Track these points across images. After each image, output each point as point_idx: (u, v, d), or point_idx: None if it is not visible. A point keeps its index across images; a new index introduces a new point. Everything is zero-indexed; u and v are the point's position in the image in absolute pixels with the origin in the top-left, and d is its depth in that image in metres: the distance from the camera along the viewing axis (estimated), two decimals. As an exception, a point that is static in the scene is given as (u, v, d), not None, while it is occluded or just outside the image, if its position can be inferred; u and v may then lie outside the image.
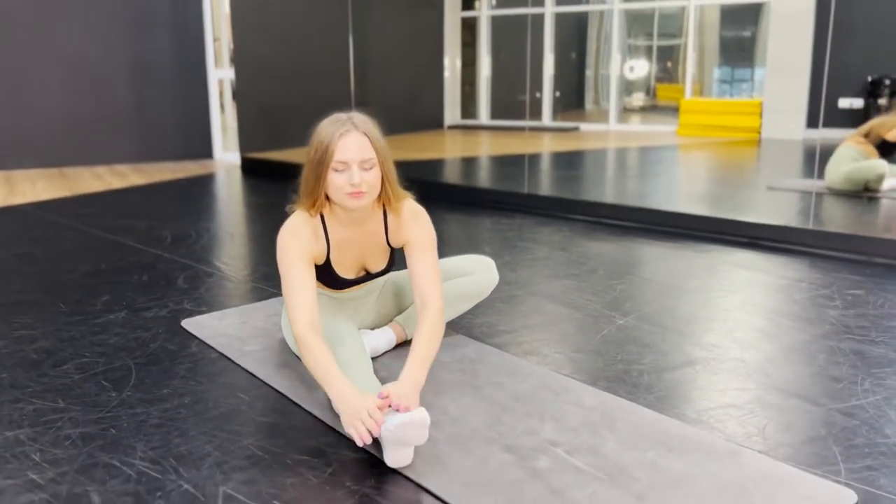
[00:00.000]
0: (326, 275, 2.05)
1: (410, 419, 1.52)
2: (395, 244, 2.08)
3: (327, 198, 1.93)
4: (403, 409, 1.57)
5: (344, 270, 2.07)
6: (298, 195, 1.96)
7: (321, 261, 2.01)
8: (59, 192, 5.48)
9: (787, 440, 1.73)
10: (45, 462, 1.65)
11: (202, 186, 5.82)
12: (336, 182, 1.85)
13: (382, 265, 2.14)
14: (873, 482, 1.55)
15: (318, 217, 1.97)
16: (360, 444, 1.55)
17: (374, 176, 1.87)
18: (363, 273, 2.12)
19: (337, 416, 1.83)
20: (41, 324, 2.57)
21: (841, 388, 2.00)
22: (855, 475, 1.57)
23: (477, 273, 2.35)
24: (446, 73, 10.47)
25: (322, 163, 1.85)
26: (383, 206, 2.02)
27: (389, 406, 1.60)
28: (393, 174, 1.95)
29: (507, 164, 6.59)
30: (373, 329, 2.31)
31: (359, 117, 1.89)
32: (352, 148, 1.83)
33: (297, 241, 1.90)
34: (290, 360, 2.20)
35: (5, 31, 6.47)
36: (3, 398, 1.97)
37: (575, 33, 10.68)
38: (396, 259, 2.21)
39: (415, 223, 2.01)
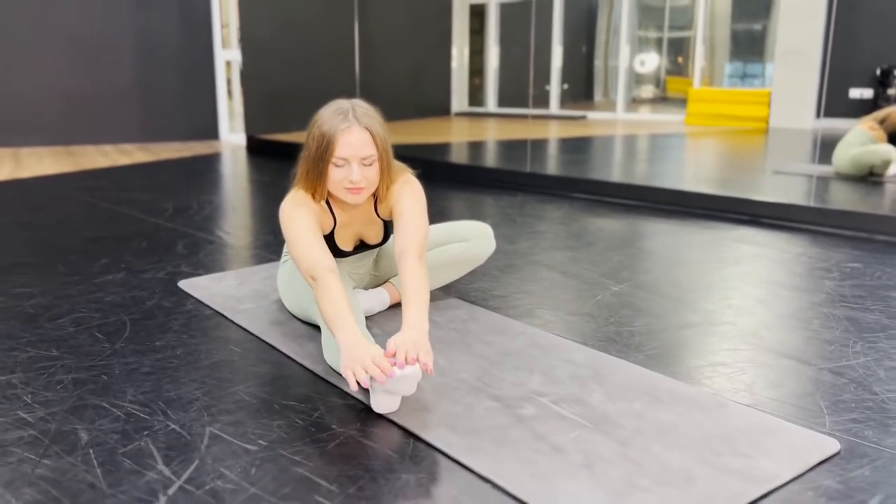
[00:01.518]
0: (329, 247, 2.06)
1: (413, 372, 1.52)
2: (383, 215, 2.07)
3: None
4: (411, 361, 1.54)
5: (343, 244, 2.08)
6: (297, 178, 1.93)
7: (325, 233, 2.01)
8: (65, 168, 5.51)
9: (774, 395, 1.73)
10: (35, 403, 1.66)
11: (207, 164, 5.84)
12: (335, 176, 1.83)
13: (378, 238, 2.14)
14: (857, 433, 1.54)
15: (325, 203, 1.97)
16: (353, 389, 1.52)
17: (373, 172, 1.85)
18: (359, 243, 2.13)
19: (327, 368, 1.84)
20: (39, 283, 2.59)
21: (832, 350, 2.00)
22: (840, 427, 1.57)
23: (473, 240, 2.35)
24: (454, 61, 10.45)
25: (322, 157, 1.82)
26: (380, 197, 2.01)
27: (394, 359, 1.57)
28: (391, 165, 1.92)
29: (512, 148, 6.58)
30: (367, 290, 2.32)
31: (361, 108, 1.85)
32: (353, 144, 1.80)
33: (304, 208, 1.87)
34: (284, 317, 2.21)
35: (14, 10, 6.50)
36: (-3, 347, 1.99)
37: (585, 24, 10.64)
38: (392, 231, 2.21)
39: (401, 189, 1.95)
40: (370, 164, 1.84)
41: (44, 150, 6.65)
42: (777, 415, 1.63)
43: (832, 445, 1.47)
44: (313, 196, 1.92)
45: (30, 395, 1.70)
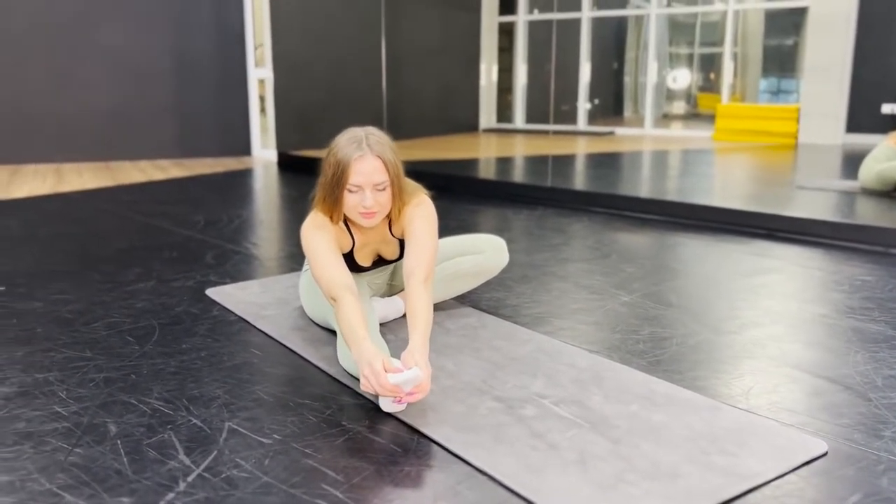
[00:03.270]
0: (346, 263, 2.18)
1: (415, 375, 1.61)
2: (397, 235, 2.18)
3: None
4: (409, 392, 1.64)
5: (363, 261, 2.21)
6: (316, 202, 2.04)
7: (345, 251, 2.14)
8: (103, 183, 5.74)
9: (769, 400, 1.78)
10: (70, 398, 1.79)
11: (239, 179, 6.02)
12: (350, 202, 1.95)
13: (395, 255, 2.25)
14: (847, 436, 1.60)
15: (343, 225, 2.10)
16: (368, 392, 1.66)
17: (385, 197, 1.96)
18: (377, 259, 2.25)
19: (341, 370, 1.94)
20: (75, 290, 2.74)
21: (832, 359, 2.05)
22: (829, 430, 1.63)
23: (487, 252, 2.44)
24: (482, 77, 10.59)
25: (338, 184, 1.93)
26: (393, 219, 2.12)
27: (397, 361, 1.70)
28: (402, 189, 2.01)
29: (536, 163, 6.67)
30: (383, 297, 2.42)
31: (374, 137, 1.95)
32: (366, 172, 1.91)
33: (323, 230, 1.99)
34: (305, 323, 2.33)
35: (58, 32, 6.79)
36: (36, 348, 2.13)
37: (614, 40, 10.72)
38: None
39: (413, 211, 2.05)
40: (383, 190, 1.95)
41: (84, 165, 6.91)
42: (769, 418, 1.69)
43: (819, 447, 1.53)
44: (331, 218, 2.02)
45: (65, 392, 1.83)
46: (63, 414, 1.70)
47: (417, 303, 1.84)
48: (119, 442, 1.57)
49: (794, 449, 1.52)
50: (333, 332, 2.23)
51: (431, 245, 2.00)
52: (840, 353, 2.09)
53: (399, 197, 2.01)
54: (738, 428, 1.61)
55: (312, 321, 2.33)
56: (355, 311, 1.78)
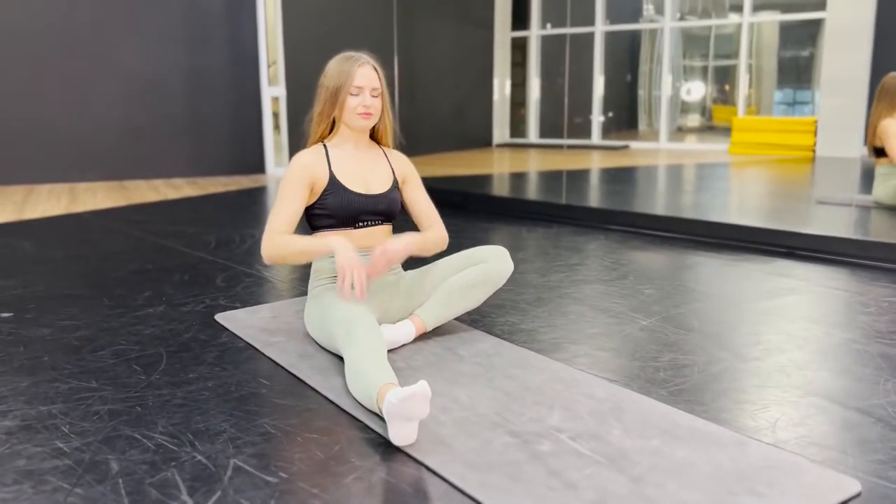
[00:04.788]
0: (337, 195, 2.25)
1: (412, 392, 1.56)
2: (397, 171, 2.41)
3: (332, 128, 2.33)
4: (380, 253, 2.09)
5: (349, 182, 2.29)
6: (312, 127, 2.35)
7: (324, 179, 2.26)
8: (117, 202, 5.73)
9: (797, 434, 1.71)
10: (72, 433, 1.74)
11: (252, 198, 6.00)
12: (351, 103, 2.24)
13: (385, 188, 2.34)
14: (881, 474, 1.52)
15: (322, 146, 2.33)
16: (346, 296, 2.02)
17: (379, 103, 2.28)
18: (366, 188, 2.31)
19: (352, 401, 1.89)
20: (85, 315, 2.71)
21: (861, 388, 1.96)
22: (863, 467, 1.55)
23: (490, 261, 2.37)
24: (495, 93, 10.56)
25: (342, 88, 2.23)
26: (378, 142, 2.42)
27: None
28: (390, 112, 2.36)
29: (550, 179, 6.61)
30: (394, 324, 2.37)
31: (368, 55, 2.29)
32: (367, 76, 2.24)
33: (302, 158, 2.27)
34: (313, 350, 2.27)
35: (72, 51, 6.83)
36: (41, 378, 2.09)
37: (628, 53, 10.67)
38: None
39: (409, 165, 2.45)
40: (376, 97, 2.26)
41: (98, 184, 6.92)
42: (798, 454, 1.61)
43: (853, 486, 1.45)
44: (321, 136, 2.34)
45: (68, 426, 1.78)
46: (65, 450, 1.66)
47: (430, 233, 2.36)
48: (121, 481, 1.51)
49: (825, 488, 1.44)
50: (341, 359, 2.18)
51: (432, 206, 2.45)
52: (870, 381, 2.01)
53: (387, 111, 2.34)
54: (766, 465, 1.53)
55: (320, 346, 2.28)
56: (292, 236, 2.17)
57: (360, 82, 2.23)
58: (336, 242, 2.09)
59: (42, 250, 3.89)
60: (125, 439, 1.71)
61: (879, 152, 4.65)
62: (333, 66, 2.28)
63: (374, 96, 2.25)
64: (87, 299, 2.92)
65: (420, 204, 2.42)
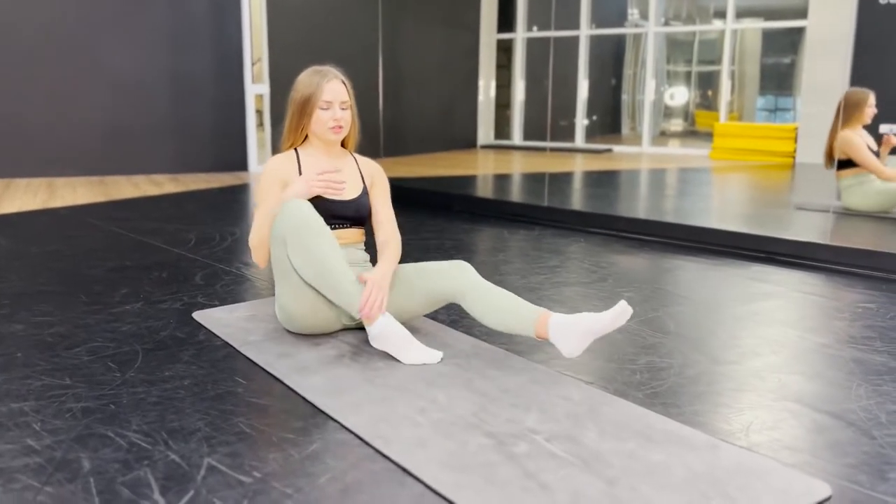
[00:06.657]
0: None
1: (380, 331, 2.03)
2: (366, 177, 2.48)
3: (304, 139, 2.41)
4: (367, 311, 2.09)
5: None
6: (284, 135, 2.42)
7: (293, 176, 2.36)
8: (96, 198, 5.68)
9: (770, 437, 1.72)
10: (44, 431, 1.72)
11: (233, 195, 5.97)
12: (322, 118, 2.33)
13: (354, 193, 2.41)
14: (851, 478, 1.53)
15: (293, 151, 2.42)
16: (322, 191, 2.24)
17: (349, 116, 2.37)
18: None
19: (326, 401, 1.88)
20: (60, 311, 2.68)
21: (834, 393, 1.98)
22: (833, 471, 1.56)
23: (459, 278, 2.31)
24: (480, 94, 10.57)
25: (311, 102, 2.32)
26: (344, 146, 2.49)
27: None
28: (357, 122, 2.45)
29: (533, 181, 6.63)
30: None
31: (334, 69, 2.38)
32: (336, 90, 2.33)
33: (273, 162, 2.38)
34: (291, 349, 2.26)
35: (53, 47, 6.75)
36: (14, 374, 2.06)
37: (613, 57, 10.72)
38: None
39: (379, 171, 2.52)
40: (345, 110, 2.35)
41: (78, 180, 6.85)
42: (771, 457, 1.62)
43: (823, 490, 1.47)
44: (293, 144, 2.41)
45: (39, 423, 1.76)
46: (36, 448, 1.64)
47: (391, 253, 2.33)
48: (92, 479, 1.50)
49: (796, 492, 1.46)
50: (318, 358, 2.17)
51: (393, 220, 2.49)
52: (842, 386, 2.03)
53: (355, 122, 2.44)
54: (738, 469, 1.55)
55: (291, 331, 2.39)
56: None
57: (329, 97, 2.31)
58: (290, 189, 2.27)
59: (17, 245, 3.84)
60: (98, 437, 1.69)
61: (842, 164, 4.73)
62: (303, 80, 2.36)
63: (343, 109, 2.34)
64: (63, 296, 2.89)
65: (382, 212, 2.47)
